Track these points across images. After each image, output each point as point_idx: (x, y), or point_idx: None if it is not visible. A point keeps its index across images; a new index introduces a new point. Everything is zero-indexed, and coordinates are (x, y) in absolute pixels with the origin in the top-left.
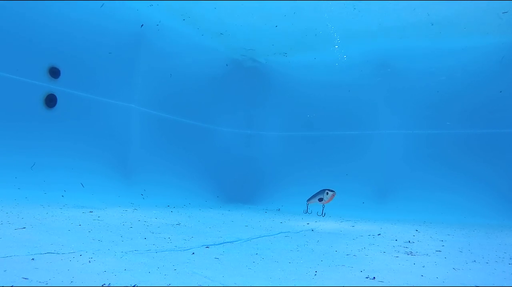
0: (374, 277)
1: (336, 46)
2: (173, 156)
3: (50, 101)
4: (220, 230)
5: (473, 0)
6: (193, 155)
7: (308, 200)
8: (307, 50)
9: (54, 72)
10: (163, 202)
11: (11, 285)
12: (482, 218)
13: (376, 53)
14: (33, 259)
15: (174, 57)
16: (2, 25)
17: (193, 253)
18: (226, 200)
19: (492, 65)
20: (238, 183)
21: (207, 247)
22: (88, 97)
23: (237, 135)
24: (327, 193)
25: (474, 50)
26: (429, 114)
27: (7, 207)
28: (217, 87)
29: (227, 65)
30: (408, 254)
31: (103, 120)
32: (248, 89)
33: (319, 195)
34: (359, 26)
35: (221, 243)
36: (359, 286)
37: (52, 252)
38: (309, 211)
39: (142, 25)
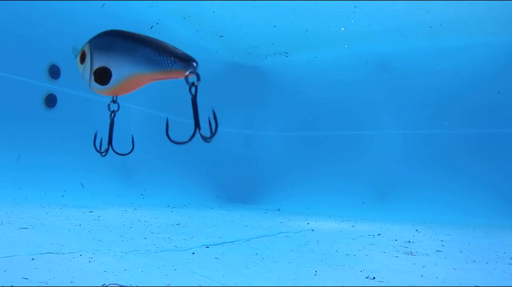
0: (374, 277)
1: (342, 28)
2: (173, 156)
3: (50, 101)
4: (220, 230)
5: (473, 0)
6: (193, 155)
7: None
8: (307, 50)
9: (54, 72)
10: (163, 202)
11: (11, 285)
12: (482, 218)
13: (377, 52)
14: (33, 259)
15: None
16: (2, 25)
17: (193, 253)
18: (226, 200)
19: (492, 65)
20: (238, 183)
21: (207, 247)
22: (88, 97)
23: (237, 135)
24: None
25: (474, 50)
26: (429, 114)
27: (7, 207)
28: (217, 87)
29: (226, 63)
30: (408, 254)
31: (103, 120)
32: (248, 89)
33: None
34: (360, 25)
35: (221, 243)
36: (359, 286)
37: (52, 252)
38: None
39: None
